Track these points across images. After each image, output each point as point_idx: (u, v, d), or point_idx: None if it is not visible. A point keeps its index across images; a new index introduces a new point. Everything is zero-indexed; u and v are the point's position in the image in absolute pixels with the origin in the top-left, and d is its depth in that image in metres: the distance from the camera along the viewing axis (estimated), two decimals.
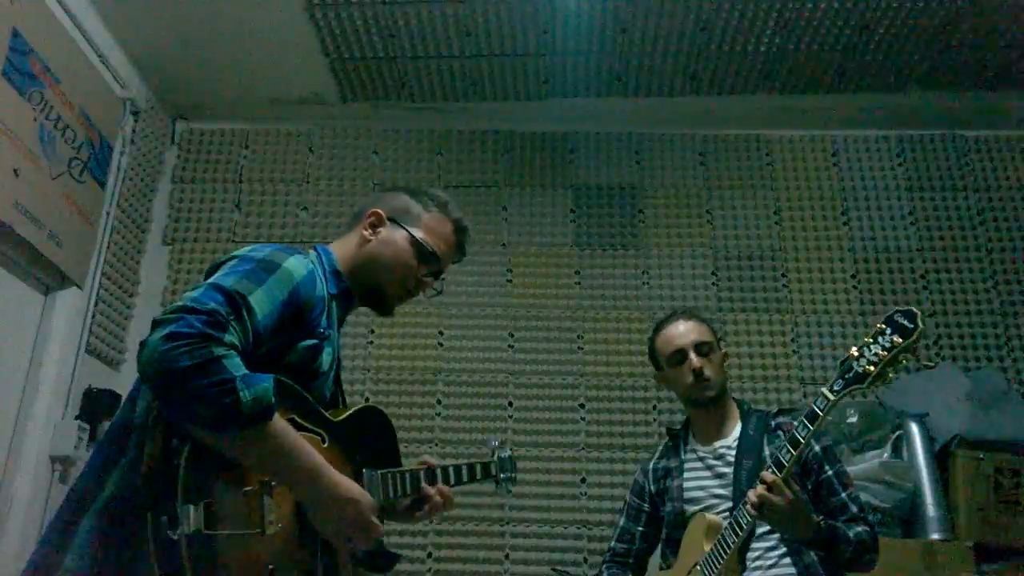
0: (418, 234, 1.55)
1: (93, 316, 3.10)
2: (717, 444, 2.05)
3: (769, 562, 1.89)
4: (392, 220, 1.56)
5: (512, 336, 3.49)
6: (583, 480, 3.27)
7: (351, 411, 1.46)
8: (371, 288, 1.54)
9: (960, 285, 3.51)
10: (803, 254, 3.60)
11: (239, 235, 3.64)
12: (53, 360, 2.89)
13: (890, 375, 1.64)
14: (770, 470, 1.73)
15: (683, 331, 2.09)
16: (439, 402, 3.39)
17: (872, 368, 1.64)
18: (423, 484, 1.57)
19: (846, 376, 1.68)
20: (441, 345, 3.48)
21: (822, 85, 3.56)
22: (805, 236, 3.63)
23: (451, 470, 1.67)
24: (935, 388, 3.04)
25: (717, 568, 1.81)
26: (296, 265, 1.33)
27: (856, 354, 1.68)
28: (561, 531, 3.21)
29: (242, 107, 3.74)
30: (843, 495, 1.93)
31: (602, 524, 3.19)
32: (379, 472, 1.48)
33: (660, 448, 2.22)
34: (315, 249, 1.53)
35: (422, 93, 3.68)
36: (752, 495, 1.72)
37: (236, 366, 1.12)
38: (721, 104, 3.69)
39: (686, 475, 2.06)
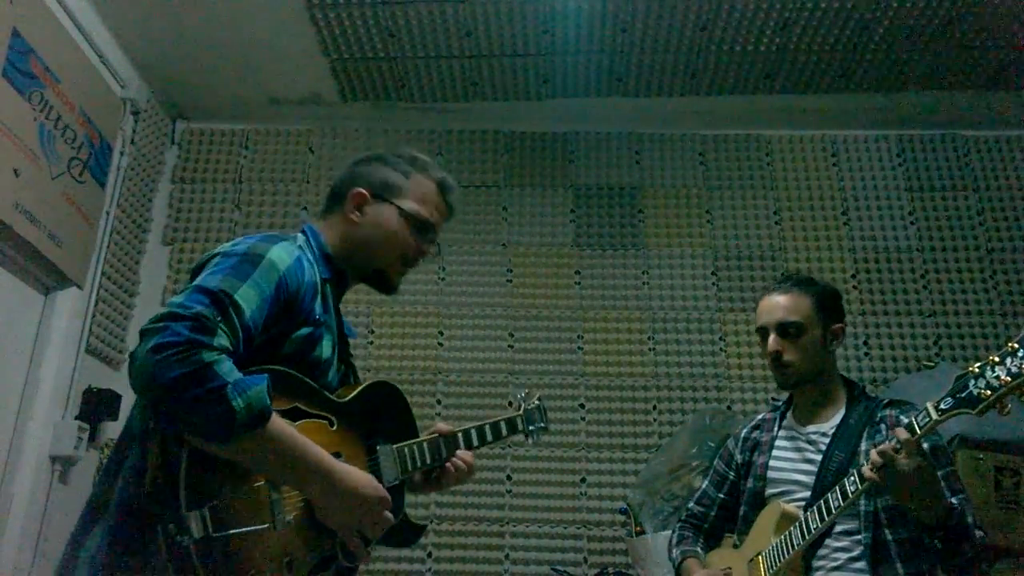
0: (407, 206, 1.48)
1: (93, 316, 3.10)
2: (812, 428, 1.87)
3: (835, 563, 1.70)
4: (377, 196, 1.48)
5: (512, 336, 3.49)
6: (583, 480, 3.27)
7: (359, 388, 1.42)
8: (371, 270, 1.49)
9: (960, 285, 3.51)
10: (803, 254, 3.60)
11: (239, 235, 3.59)
12: (53, 360, 2.89)
13: (1008, 405, 1.41)
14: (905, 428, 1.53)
15: (770, 307, 1.89)
16: (439, 402, 3.39)
17: (988, 393, 1.41)
18: (444, 452, 1.53)
19: (957, 395, 1.48)
20: (441, 345, 3.48)
21: (822, 85, 3.56)
22: (805, 236, 3.63)
23: (473, 432, 1.60)
24: (935, 388, 3.02)
25: (778, 564, 1.71)
26: (281, 254, 1.28)
27: (976, 371, 1.45)
28: (561, 531, 3.21)
29: (242, 107, 3.74)
30: (952, 500, 1.64)
31: (602, 524, 3.19)
32: (394, 446, 1.44)
33: (758, 417, 2.05)
34: (303, 231, 1.47)
35: (422, 93, 3.68)
36: (875, 452, 1.51)
37: (228, 371, 1.09)
38: (721, 104, 3.69)
39: (774, 453, 1.90)
